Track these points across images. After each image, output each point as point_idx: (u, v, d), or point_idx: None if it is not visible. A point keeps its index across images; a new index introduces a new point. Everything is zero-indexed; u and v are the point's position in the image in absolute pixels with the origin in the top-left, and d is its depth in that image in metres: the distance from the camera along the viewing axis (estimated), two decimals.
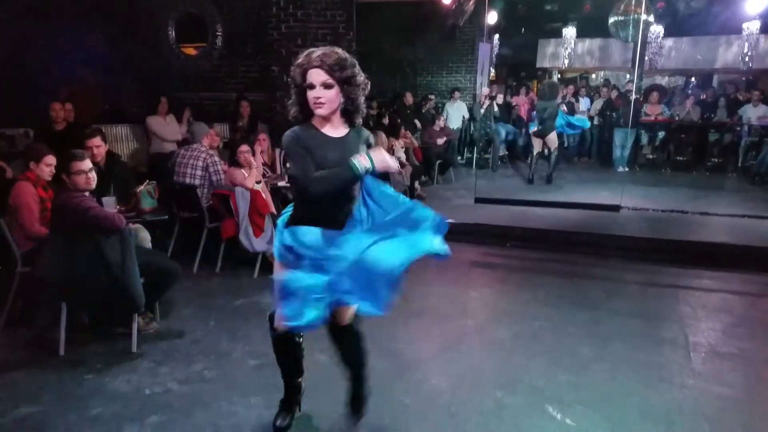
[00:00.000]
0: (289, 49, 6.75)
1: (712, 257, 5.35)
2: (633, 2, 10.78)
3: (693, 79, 16.40)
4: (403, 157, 7.46)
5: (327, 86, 2.26)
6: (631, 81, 10.49)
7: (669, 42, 14.56)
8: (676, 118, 10.34)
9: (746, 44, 13.65)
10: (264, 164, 5.83)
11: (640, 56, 10.80)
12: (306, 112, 2.37)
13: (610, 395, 3.01)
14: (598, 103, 11.26)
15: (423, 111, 10.44)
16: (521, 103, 11.67)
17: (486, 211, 6.74)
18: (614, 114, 10.46)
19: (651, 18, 11.50)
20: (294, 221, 2.36)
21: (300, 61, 2.30)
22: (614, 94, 11.31)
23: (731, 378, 3.22)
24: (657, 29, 13.32)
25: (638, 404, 2.92)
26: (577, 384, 3.12)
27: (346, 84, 2.29)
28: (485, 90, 11.14)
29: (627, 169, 10.02)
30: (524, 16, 14.32)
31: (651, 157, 10.40)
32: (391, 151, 7.32)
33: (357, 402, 2.72)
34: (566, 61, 15.59)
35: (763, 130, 9.57)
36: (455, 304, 4.35)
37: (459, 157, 10.37)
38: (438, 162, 9.05)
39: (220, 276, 4.90)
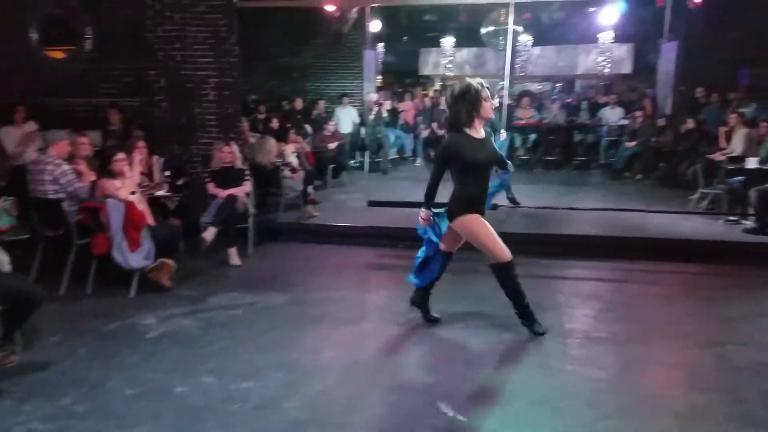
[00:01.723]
0: (166, 52, 6.44)
1: (581, 248, 5.85)
2: (503, 13, 11.51)
3: (558, 84, 17.82)
4: (295, 162, 7.39)
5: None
6: (504, 87, 11.16)
7: (537, 50, 15.72)
8: (545, 121, 11.16)
9: (601, 52, 15.13)
10: (141, 173, 5.50)
11: (511, 64, 11.52)
12: (473, 118, 3.60)
13: (498, 386, 3.18)
14: None
15: (313, 116, 10.43)
16: (407, 108, 12.02)
17: (379, 213, 6.85)
18: (491, 119, 11.04)
19: (520, 28, 12.35)
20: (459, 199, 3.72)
21: (476, 84, 3.58)
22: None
23: (605, 360, 3.53)
24: (526, 38, 14.34)
25: (524, 393, 3.10)
26: (466, 378, 3.25)
27: None
28: (373, 96, 11.36)
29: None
30: (406, 25, 14.79)
31: (524, 157, 11.11)
32: (281, 156, 7.22)
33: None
34: (446, 69, 16.30)
35: (620, 129, 10.60)
36: (353, 309, 4.39)
37: (351, 161, 10.47)
38: (331, 166, 9.07)
39: (92, 297, 4.55)
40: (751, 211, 6.47)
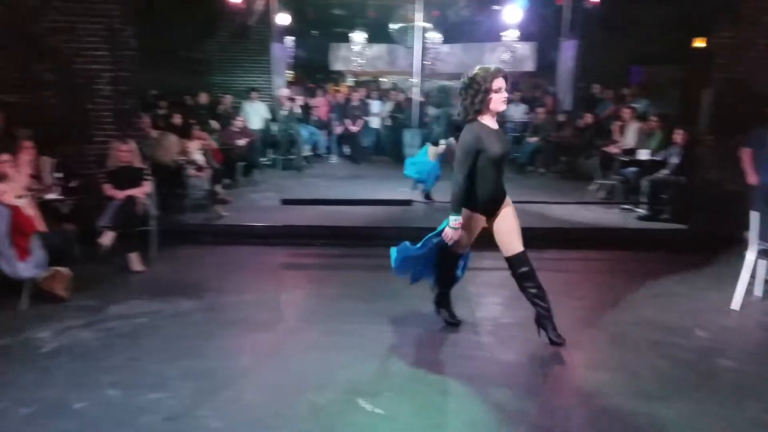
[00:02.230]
0: (55, 45, 5.96)
1: (490, 239, 6.01)
2: (411, 10, 11.67)
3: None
4: (201, 159, 7.10)
5: (506, 90, 3.33)
6: (415, 84, 11.35)
7: (446, 48, 16.08)
8: (455, 118, 11.41)
9: (505, 50, 15.72)
10: (29, 175, 5.06)
11: (421, 61, 11.71)
12: (480, 110, 3.32)
13: (415, 378, 3.21)
14: (389, 106, 11.99)
15: (219, 111, 10.07)
16: (320, 104, 11.91)
17: (294, 211, 6.74)
18: (402, 115, 11.23)
19: (429, 25, 12.57)
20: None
21: (486, 71, 3.31)
22: (402, 96, 12.13)
23: (513, 345, 3.67)
24: (435, 36, 14.62)
25: (439, 382, 3.16)
26: (386, 373, 3.28)
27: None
28: (284, 91, 11.14)
29: None
30: (314, 19, 14.63)
31: None
32: (185, 153, 6.91)
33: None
34: (357, 65, 16.32)
35: (524, 126, 11.07)
36: (268, 310, 4.27)
37: (263, 159, 10.21)
38: (241, 164, 8.80)
39: None
40: (643, 199, 6.97)
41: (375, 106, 12.17)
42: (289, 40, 13.36)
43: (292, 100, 10.58)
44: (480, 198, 3.44)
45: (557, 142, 9.98)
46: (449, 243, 3.49)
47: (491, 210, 3.51)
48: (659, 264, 5.41)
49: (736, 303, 4.25)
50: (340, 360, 3.43)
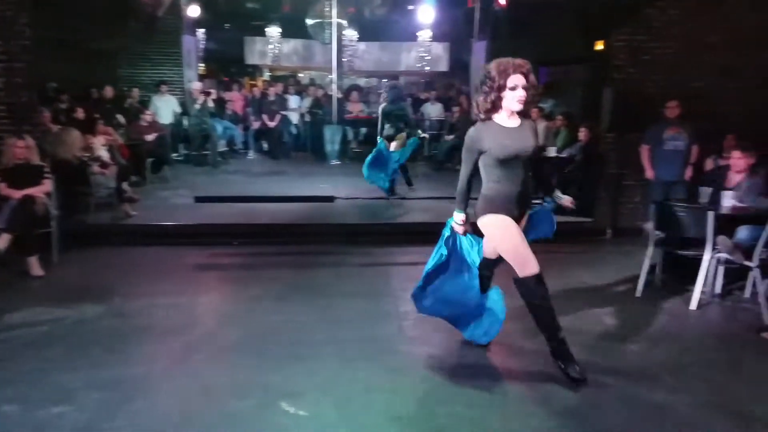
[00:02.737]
0: None
1: (412, 235, 6.13)
2: (327, 6, 11.59)
3: (384, 80, 18.50)
4: (106, 155, 6.68)
5: (525, 89, 2.95)
6: (333, 81, 11.30)
7: (363, 45, 16.12)
8: (374, 116, 11.49)
9: (421, 50, 16.01)
10: None
11: (338, 58, 11.68)
12: (491, 109, 3.02)
13: (339, 376, 3.18)
14: (307, 101, 11.87)
15: (126, 105, 9.52)
16: (235, 99, 11.57)
17: (209, 209, 6.50)
18: (321, 111, 11.15)
19: (345, 22, 12.55)
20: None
21: (503, 66, 2.95)
22: (320, 92, 12.04)
23: (436, 338, 3.72)
24: (352, 33, 14.62)
25: (364, 378, 3.14)
26: (310, 372, 3.21)
27: (532, 87, 2.99)
28: (197, 85, 10.73)
29: (338, 162, 10.80)
30: (228, 11, 14.18)
31: (358, 150, 11.37)
32: (89, 149, 6.47)
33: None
34: (273, 59, 16.00)
35: (440, 124, 11.32)
36: (182, 315, 4.07)
37: (174, 155, 9.76)
38: (150, 160, 8.37)
39: None
40: None
41: (293, 101, 12.00)
42: (201, 32, 12.88)
43: (205, 93, 10.20)
44: (493, 200, 3.11)
45: None
46: (460, 232, 3.33)
47: (511, 213, 3.11)
48: (568, 255, 5.71)
49: (639, 290, 4.56)
50: (261, 362, 3.33)
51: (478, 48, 12.53)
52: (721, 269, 4.47)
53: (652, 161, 6.03)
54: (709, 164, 5.98)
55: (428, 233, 6.14)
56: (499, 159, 3.01)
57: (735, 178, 4.59)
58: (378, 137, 7.58)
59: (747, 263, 4.17)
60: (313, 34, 13.68)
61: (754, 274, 4.20)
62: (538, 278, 3.06)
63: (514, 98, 2.96)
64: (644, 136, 6.08)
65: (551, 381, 3.13)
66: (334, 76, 11.39)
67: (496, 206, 3.09)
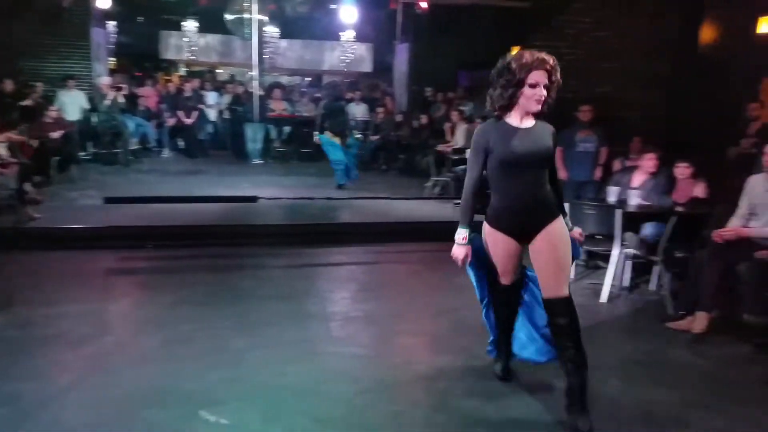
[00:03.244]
0: None
1: (338, 235, 6.10)
2: (246, 2, 11.33)
3: (308, 78, 18.33)
4: (5, 154, 6.17)
5: (545, 87, 2.61)
6: (254, 78, 11.04)
7: (284, 43, 15.89)
8: (297, 114, 11.37)
9: (344, 50, 16.00)
10: None
11: (259, 54, 11.44)
12: (507, 105, 2.66)
13: (264, 382, 3.09)
14: (226, 98, 11.53)
15: (28, 100, 8.85)
16: (148, 94, 11.05)
17: (120, 211, 6.16)
18: (242, 109, 10.88)
19: (265, 18, 12.30)
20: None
21: (525, 60, 2.57)
22: (241, 89, 11.73)
23: (363, 338, 3.72)
24: (273, 30, 14.36)
25: (290, 383, 3.07)
26: (232, 379, 3.10)
27: (553, 86, 2.64)
28: (106, 79, 10.16)
29: (261, 161, 10.57)
30: (141, 4, 13.55)
31: (281, 149, 11.18)
32: None
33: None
34: (190, 55, 15.46)
35: (365, 124, 11.35)
36: (93, 323, 3.81)
37: (82, 153, 9.17)
38: (55, 158, 7.82)
39: None
40: None
41: (211, 97, 11.64)
42: (112, 24, 12.21)
43: (115, 88, 9.68)
44: (495, 212, 2.77)
45: (396, 141, 10.41)
46: (459, 263, 2.87)
47: (515, 230, 2.75)
48: None
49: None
50: (180, 371, 3.17)
51: (401, 50, 12.69)
52: (629, 264, 4.76)
53: (565, 163, 6.34)
54: (616, 165, 6.36)
55: (354, 233, 6.20)
56: (504, 163, 2.66)
57: (640, 178, 4.89)
58: (316, 133, 8.33)
59: (652, 258, 4.46)
60: (233, 29, 13.32)
61: (659, 267, 4.50)
62: (504, 288, 2.93)
63: (532, 97, 2.61)
64: (558, 139, 6.37)
65: (476, 375, 3.20)
66: (255, 72, 11.13)
67: (494, 218, 2.77)
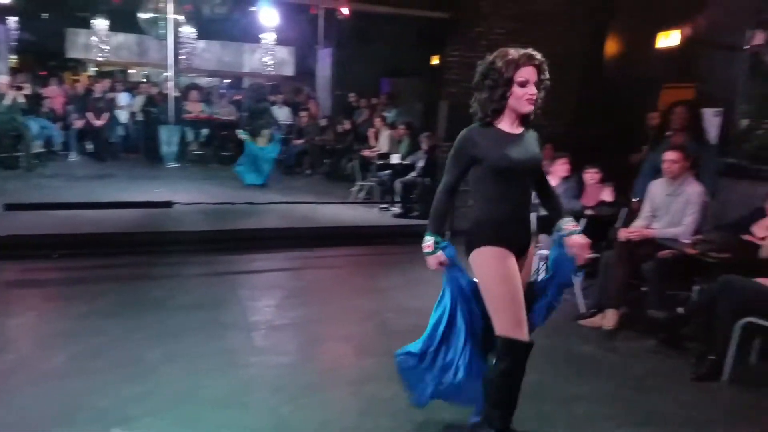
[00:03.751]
0: None
1: (260, 241, 5.97)
2: (161, 1, 10.92)
3: (227, 80, 17.87)
4: None
5: (536, 85, 2.35)
6: (169, 79, 10.62)
7: (202, 44, 15.43)
8: (215, 116, 11.06)
9: (265, 52, 15.76)
10: None
11: (175, 55, 11.05)
12: (500, 109, 2.38)
13: (182, 395, 2.96)
14: (139, 99, 11.04)
15: None
16: (54, 95, 10.37)
17: (22, 219, 5.70)
18: (156, 110, 10.44)
19: (181, 18, 11.90)
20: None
21: (510, 56, 2.33)
22: (155, 90, 11.27)
23: (288, 346, 3.66)
24: (189, 30, 13.91)
25: (210, 396, 2.96)
26: (147, 393, 2.95)
27: (543, 86, 2.39)
28: (4, 78, 9.42)
29: (176, 165, 10.18)
30: (45, 0, 12.74)
31: (198, 152, 10.82)
32: None
33: None
34: (99, 54, 14.70)
35: (289, 128, 11.20)
36: None
37: None
38: None
39: None
40: (397, 199, 7.61)
41: (122, 98, 11.08)
42: (13, 20, 11.37)
43: (16, 88, 9.00)
44: (488, 225, 2.42)
45: (321, 146, 10.35)
46: (433, 268, 2.44)
47: (514, 243, 2.44)
48: (412, 255, 5.87)
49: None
50: (90, 386, 2.98)
51: (323, 54, 12.67)
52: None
53: None
54: None
55: (278, 239, 6.09)
56: (499, 171, 2.38)
57: (552, 183, 5.12)
58: (239, 130, 8.74)
59: None
60: (146, 29, 12.78)
61: None
62: (527, 347, 2.38)
63: (523, 96, 2.34)
64: None
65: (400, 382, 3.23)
66: (170, 73, 10.71)
67: (490, 234, 2.40)
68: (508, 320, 2.34)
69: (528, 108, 2.37)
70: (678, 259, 3.90)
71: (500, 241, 2.39)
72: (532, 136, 2.49)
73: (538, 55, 2.37)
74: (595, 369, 3.49)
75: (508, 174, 2.39)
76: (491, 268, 2.38)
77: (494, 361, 2.40)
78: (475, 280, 2.47)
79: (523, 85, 2.34)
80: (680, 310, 3.65)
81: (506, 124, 2.43)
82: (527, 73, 2.34)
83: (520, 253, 2.47)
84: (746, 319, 3.29)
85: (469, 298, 2.48)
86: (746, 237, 3.77)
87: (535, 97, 2.36)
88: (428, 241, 2.44)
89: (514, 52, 2.35)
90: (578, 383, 3.27)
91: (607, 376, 3.42)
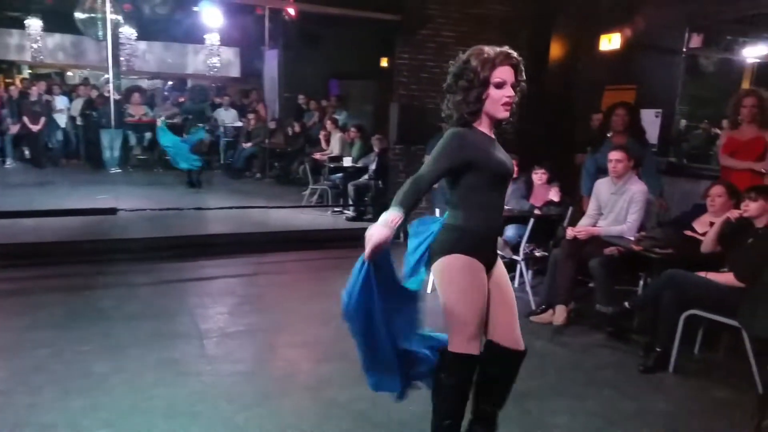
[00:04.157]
0: None
1: (210, 247, 5.84)
2: (99, 0, 10.55)
3: (170, 82, 17.36)
4: None
5: (513, 87, 2.18)
6: (109, 81, 10.27)
7: (143, 45, 14.95)
8: (160, 120, 10.74)
9: (209, 54, 15.41)
10: None
11: (114, 56, 10.68)
12: (476, 111, 2.18)
13: (133, 407, 2.86)
14: (78, 103, 10.60)
15: None
16: None
17: None
18: (97, 114, 10.07)
19: (120, 18, 11.51)
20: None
21: (486, 54, 2.15)
22: (95, 93, 10.86)
23: (242, 354, 3.58)
24: (129, 31, 13.46)
25: (162, 407, 2.87)
26: (97, 406, 2.84)
27: (520, 88, 2.22)
28: None
29: (120, 170, 9.85)
30: None
31: (142, 157, 10.50)
32: None
33: None
34: (34, 55, 14.05)
35: (236, 131, 11.01)
36: None
37: None
38: None
39: None
40: (350, 202, 7.60)
41: (60, 102, 10.62)
42: None
43: None
44: (469, 235, 2.22)
45: (271, 149, 10.23)
46: (368, 249, 2.05)
47: (486, 257, 2.29)
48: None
49: (428, 285, 4.92)
50: (34, 401, 2.84)
51: (270, 56, 12.49)
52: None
53: None
54: None
55: (228, 245, 5.97)
56: (495, 177, 2.22)
57: None
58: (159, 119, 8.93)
59: (514, 257, 4.80)
60: (84, 29, 12.28)
61: (521, 266, 4.84)
62: (474, 360, 2.24)
63: (499, 100, 2.16)
64: (426, 147, 6.64)
65: (361, 380, 3.22)
66: (110, 75, 10.34)
67: (470, 244, 2.21)
68: (466, 335, 2.20)
69: (504, 114, 2.19)
70: (623, 255, 4.06)
71: (478, 253, 2.22)
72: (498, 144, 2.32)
73: (515, 54, 2.19)
74: (546, 364, 3.57)
75: (503, 180, 2.27)
76: (464, 278, 2.20)
77: (441, 376, 2.26)
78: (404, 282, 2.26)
79: (499, 86, 2.15)
80: (627, 304, 3.78)
81: (485, 127, 2.24)
82: (504, 73, 2.15)
83: (490, 266, 2.31)
84: (689, 312, 3.44)
85: (373, 292, 2.19)
86: (688, 233, 3.95)
87: (512, 101, 2.18)
88: (396, 214, 2.03)
89: (490, 51, 2.16)
90: (529, 379, 3.32)
91: (557, 370, 3.51)
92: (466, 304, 2.20)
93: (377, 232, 2.02)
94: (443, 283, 2.23)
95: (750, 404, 2.92)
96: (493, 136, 2.27)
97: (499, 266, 2.37)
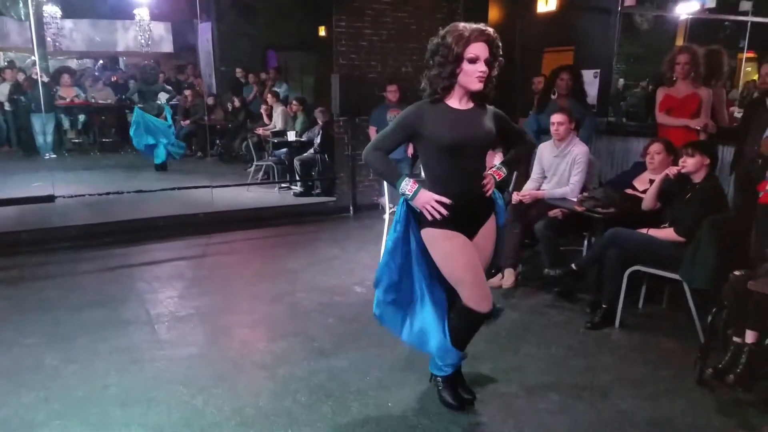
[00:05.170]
0: None
1: (154, 230, 5.68)
2: None
3: (101, 61, 16.52)
4: None
5: (487, 62, 2.30)
6: (35, 63, 9.69)
7: (69, 23, 14.12)
8: (92, 101, 10.28)
9: (140, 29, 14.70)
10: None
11: (39, 37, 10.08)
12: (450, 86, 2.34)
13: (86, 397, 2.81)
14: (5, 87, 10.01)
15: None
16: None
17: None
18: (25, 98, 9.54)
19: None
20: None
21: (460, 31, 2.27)
22: (22, 77, 10.26)
23: (195, 337, 3.53)
24: (53, 9, 12.68)
25: (116, 395, 2.83)
26: (49, 398, 2.78)
27: (498, 63, 2.35)
28: None
29: (54, 155, 9.41)
30: None
31: (77, 141, 10.04)
32: None
33: None
34: None
35: (174, 109, 10.61)
36: None
37: None
38: None
39: None
40: (297, 177, 7.51)
41: None
42: None
43: None
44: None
45: (211, 125, 9.93)
46: (430, 206, 2.35)
47: (465, 225, 2.47)
48: (316, 233, 5.96)
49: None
50: None
51: (204, 29, 12.04)
52: None
53: None
54: None
55: (173, 227, 5.82)
56: (442, 149, 2.36)
57: None
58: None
59: None
60: (4, 9, 11.50)
61: None
62: (479, 316, 2.51)
63: (473, 74, 2.29)
64: (370, 118, 6.61)
65: (316, 355, 3.25)
66: (36, 57, 9.76)
67: (441, 217, 2.39)
68: (467, 293, 2.44)
69: (477, 86, 2.31)
70: (567, 217, 4.18)
71: (446, 223, 2.39)
72: (487, 112, 2.44)
73: (490, 30, 2.31)
74: (497, 326, 3.66)
75: (454, 151, 2.35)
76: (439, 249, 2.44)
77: (452, 317, 2.58)
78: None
79: (473, 61, 2.28)
80: (573, 266, 3.89)
81: (455, 101, 2.39)
82: (477, 49, 2.27)
83: (474, 231, 2.50)
84: (633, 268, 3.58)
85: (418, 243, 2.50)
86: (629, 191, 4.09)
87: (485, 75, 2.30)
88: (408, 183, 2.39)
89: (464, 27, 2.28)
90: (480, 342, 3.43)
91: (507, 332, 3.62)
92: (451, 267, 2.44)
93: (422, 197, 2.38)
94: (431, 251, 2.48)
95: (693, 352, 3.09)
96: (465, 108, 2.39)
97: (485, 228, 2.54)
